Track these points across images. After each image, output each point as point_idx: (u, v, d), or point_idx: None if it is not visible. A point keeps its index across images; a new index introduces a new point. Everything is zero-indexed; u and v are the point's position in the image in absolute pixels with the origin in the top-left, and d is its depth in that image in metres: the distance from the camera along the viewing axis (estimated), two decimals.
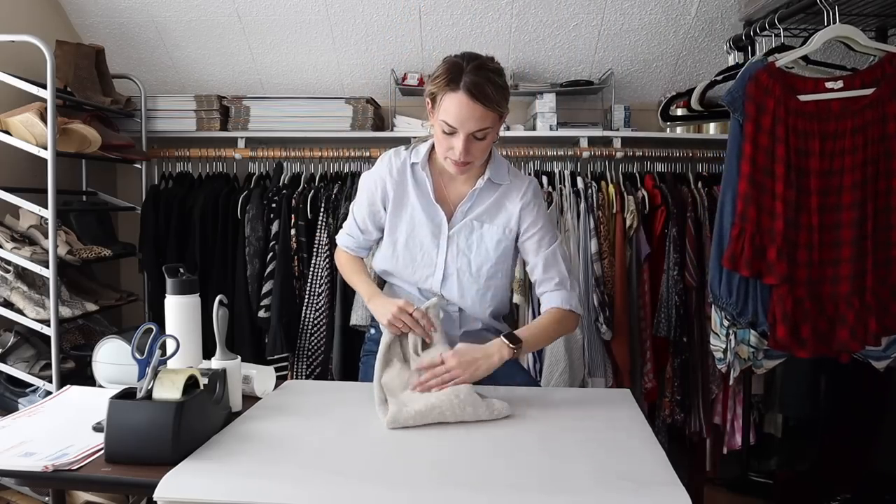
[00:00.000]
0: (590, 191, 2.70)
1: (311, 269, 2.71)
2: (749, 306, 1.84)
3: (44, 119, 2.22)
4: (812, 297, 1.80)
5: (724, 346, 2.00)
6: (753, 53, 2.23)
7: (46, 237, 2.28)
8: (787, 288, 1.78)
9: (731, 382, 2.09)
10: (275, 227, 2.74)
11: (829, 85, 1.78)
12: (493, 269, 1.61)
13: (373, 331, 1.77)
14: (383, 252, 1.68)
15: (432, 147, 1.63)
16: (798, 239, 1.79)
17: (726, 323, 1.97)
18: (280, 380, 1.61)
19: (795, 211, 1.79)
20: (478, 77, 1.41)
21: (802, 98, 1.78)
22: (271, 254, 2.73)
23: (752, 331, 1.94)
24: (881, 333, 1.82)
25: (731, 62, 2.37)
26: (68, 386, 1.60)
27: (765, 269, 1.79)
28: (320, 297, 2.69)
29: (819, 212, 1.79)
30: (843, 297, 1.79)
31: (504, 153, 1.77)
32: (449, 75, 1.43)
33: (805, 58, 1.91)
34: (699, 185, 2.78)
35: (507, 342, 1.46)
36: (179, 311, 1.45)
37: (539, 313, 1.63)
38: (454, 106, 1.42)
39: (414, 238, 1.62)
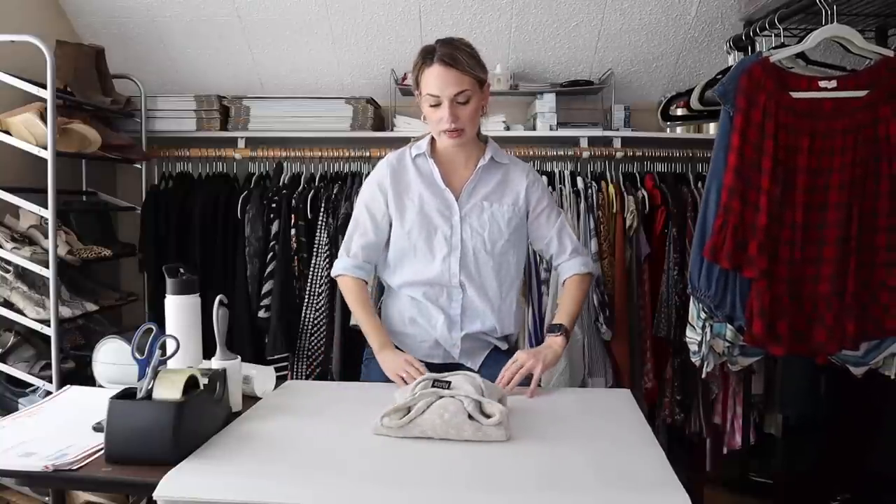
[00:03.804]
0: (590, 191, 2.70)
1: (311, 269, 2.71)
2: (727, 299, 1.83)
3: (44, 119, 2.22)
4: (791, 294, 1.79)
5: (699, 338, 1.98)
6: (753, 53, 2.22)
7: (46, 237, 2.28)
8: (765, 283, 1.76)
9: (703, 376, 2.08)
10: (275, 227, 2.74)
11: (822, 84, 1.77)
12: (505, 245, 1.71)
13: None
14: (398, 244, 1.71)
15: (433, 138, 1.72)
16: (781, 235, 1.78)
17: (703, 315, 1.95)
18: (280, 380, 1.61)
19: (780, 207, 1.77)
20: (448, 48, 1.59)
21: (795, 95, 1.78)
22: (271, 254, 2.73)
23: (729, 325, 1.92)
24: (859, 337, 1.80)
25: (731, 62, 2.36)
26: (68, 386, 1.60)
27: (745, 262, 1.78)
28: (320, 297, 2.69)
29: (804, 209, 1.77)
30: (823, 296, 1.77)
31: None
32: (423, 55, 1.61)
33: (805, 58, 1.90)
34: (699, 185, 2.78)
35: (556, 333, 1.66)
36: (179, 311, 1.44)
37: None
38: (432, 77, 1.58)
39: (425, 218, 1.69)
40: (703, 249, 1.84)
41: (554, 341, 1.65)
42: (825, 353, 1.83)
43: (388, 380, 1.60)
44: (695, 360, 2.03)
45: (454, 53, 1.58)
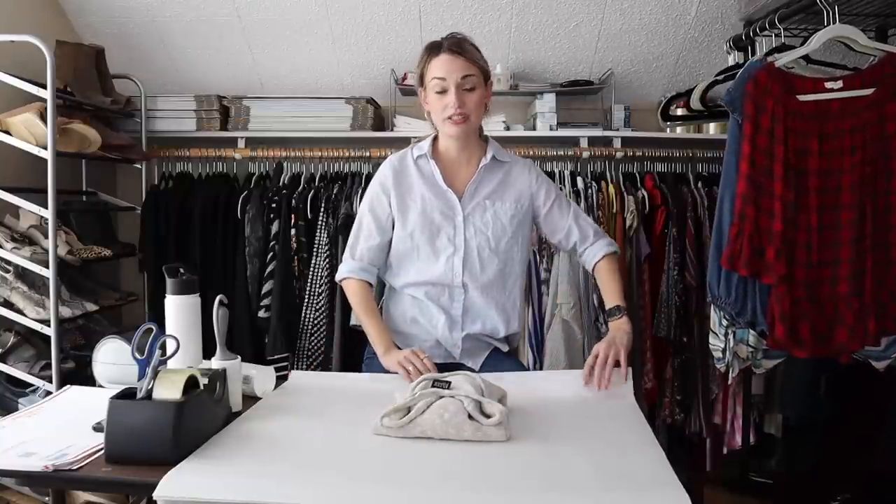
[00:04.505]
0: (590, 191, 2.70)
1: (311, 269, 2.71)
2: (748, 306, 1.84)
3: (44, 119, 2.22)
4: (811, 297, 1.79)
5: (722, 345, 1.99)
6: (753, 53, 2.22)
7: (46, 237, 2.28)
8: (785, 288, 1.77)
9: (729, 382, 2.08)
10: (275, 227, 2.74)
11: (828, 85, 1.78)
12: (509, 242, 1.72)
13: None
14: (400, 245, 1.72)
15: (434, 139, 1.73)
16: (797, 239, 1.79)
17: (725, 322, 1.96)
18: (280, 380, 1.61)
19: (794, 211, 1.78)
20: (454, 40, 1.64)
21: (802, 98, 1.78)
22: (271, 254, 2.73)
23: (751, 330, 1.93)
24: (880, 334, 1.81)
25: (731, 62, 2.37)
26: (68, 386, 1.59)
27: (763, 268, 1.78)
28: (320, 297, 2.69)
29: (818, 212, 1.78)
30: (842, 297, 1.78)
31: None
32: (430, 48, 1.65)
33: (806, 57, 1.90)
34: (699, 185, 2.78)
35: (617, 316, 1.65)
36: (179, 311, 1.44)
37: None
38: (440, 63, 1.61)
39: (427, 219, 1.69)
40: (720, 258, 1.84)
41: (621, 323, 1.63)
42: (848, 353, 1.84)
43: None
44: (720, 366, 2.04)
45: (461, 43, 1.63)
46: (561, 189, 2.72)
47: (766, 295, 1.81)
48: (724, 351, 2.00)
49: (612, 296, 1.70)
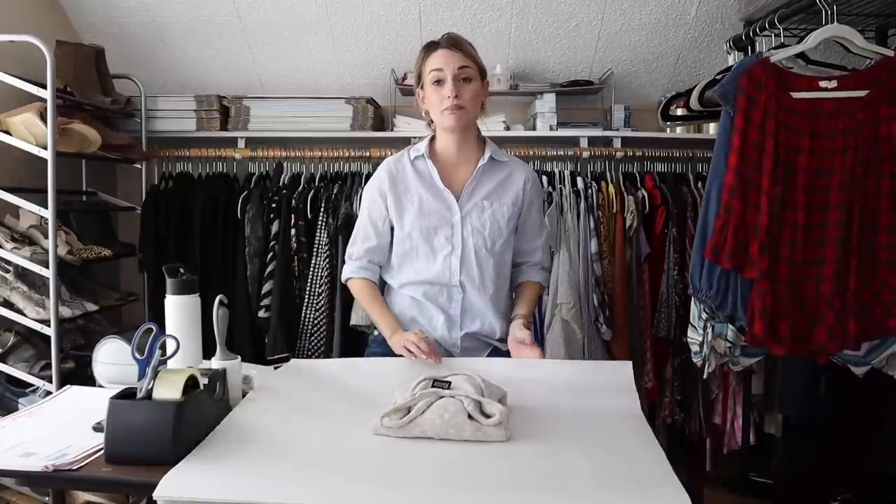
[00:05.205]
0: (590, 191, 2.70)
1: (311, 269, 2.71)
2: (728, 299, 1.83)
3: (44, 119, 2.22)
4: (792, 294, 1.79)
5: (700, 339, 1.98)
6: (753, 53, 2.22)
7: (46, 237, 2.28)
8: (767, 283, 1.76)
9: (704, 376, 2.08)
10: (275, 227, 2.74)
11: (822, 84, 1.77)
12: (504, 244, 1.73)
13: (376, 332, 1.79)
14: (400, 246, 1.73)
15: (432, 140, 1.74)
16: (782, 235, 1.78)
17: (704, 316, 1.95)
18: None
19: (781, 207, 1.77)
20: (450, 36, 1.68)
21: (795, 95, 1.77)
22: (271, 254, 2.73)
23: (731, 325, 1.92)
24: (861, 337, 1.80)
25: (731, 62, 2.36)
26: (68, 386, 1.59)
27: (746, 262, 1.78)
28: (320, 297, 2.69)
29: (805, 210, 1.77)
30: (825, 297, 1.77)
31: None
32: (427, 46, 1.68)
33: (805, 58, 1.90)
34: (699, 185, 2.78)
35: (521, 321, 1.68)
36: (179, 311, 1.44)
37: None
38: (438, 57, 1.64)
39: (425, 219, 1.69)
40: (704, 250, 1.84)
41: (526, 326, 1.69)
42: (826, 354, 1.83)
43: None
44: (696, 360, 2.03)
45: (457, 39, 1.66)
46: (561, 189, 2.73)
47: (747, 289, 1.80)
48: (701, 345, 1.98)
49: (526, 307, 1.73)
